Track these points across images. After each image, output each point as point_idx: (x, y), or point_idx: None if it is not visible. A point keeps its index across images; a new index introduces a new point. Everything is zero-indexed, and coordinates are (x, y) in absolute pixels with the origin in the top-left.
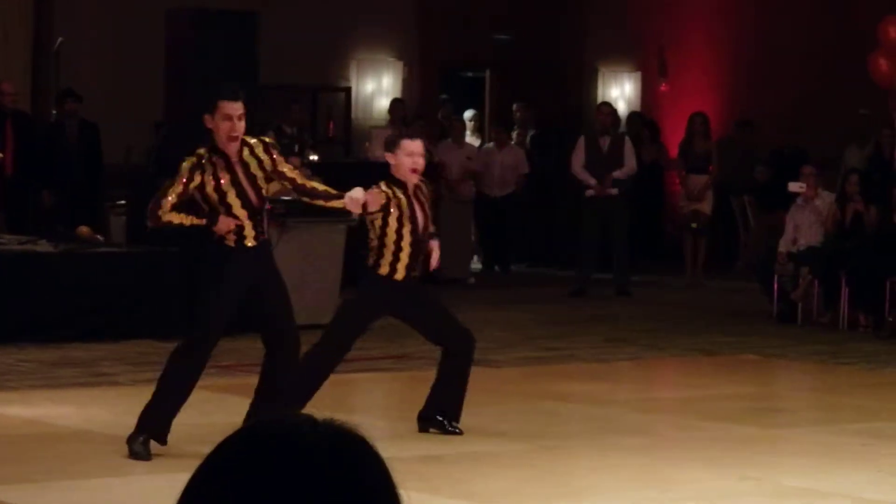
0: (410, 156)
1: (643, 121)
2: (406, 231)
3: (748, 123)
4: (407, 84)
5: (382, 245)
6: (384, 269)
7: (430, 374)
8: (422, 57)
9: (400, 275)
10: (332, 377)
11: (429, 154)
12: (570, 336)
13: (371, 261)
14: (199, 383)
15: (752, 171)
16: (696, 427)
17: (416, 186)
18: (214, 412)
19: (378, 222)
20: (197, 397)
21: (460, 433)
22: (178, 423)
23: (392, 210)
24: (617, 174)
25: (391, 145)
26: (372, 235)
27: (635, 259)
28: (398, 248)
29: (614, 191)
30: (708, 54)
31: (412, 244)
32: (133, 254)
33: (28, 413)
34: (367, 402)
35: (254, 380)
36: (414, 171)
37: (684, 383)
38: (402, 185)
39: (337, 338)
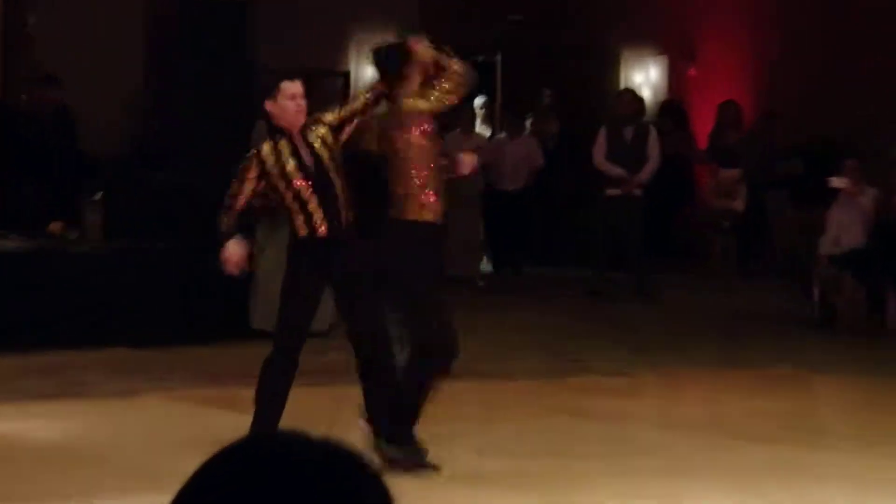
0: (293, 99)
1: (670, 107)
2: (300, 184)
3: (774, 115)
4: None
5: (289, 210)
6: (302, 231)
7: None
8: (426, 38)
9: (322, 229)
10: (325, 390)
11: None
12: (588, 345)
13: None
14: (178, 394)
15: (785, 165)
16: (726, 447)
17: (303, 129)
18: (195, 427)
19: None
20: (176, 410)
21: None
22: (154, 440)
23: (271, 170)
24: (643, 175)
25: (268, 92)
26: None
27: (658, 259)
28: (303, 205)
29: (638, 191)
30: (742, 34)
31: (318, 195)
32: (110, 251)
33: None
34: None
35: (241, 392)
36: (298, 113)
37: (712, 398)
38: (287, 134)
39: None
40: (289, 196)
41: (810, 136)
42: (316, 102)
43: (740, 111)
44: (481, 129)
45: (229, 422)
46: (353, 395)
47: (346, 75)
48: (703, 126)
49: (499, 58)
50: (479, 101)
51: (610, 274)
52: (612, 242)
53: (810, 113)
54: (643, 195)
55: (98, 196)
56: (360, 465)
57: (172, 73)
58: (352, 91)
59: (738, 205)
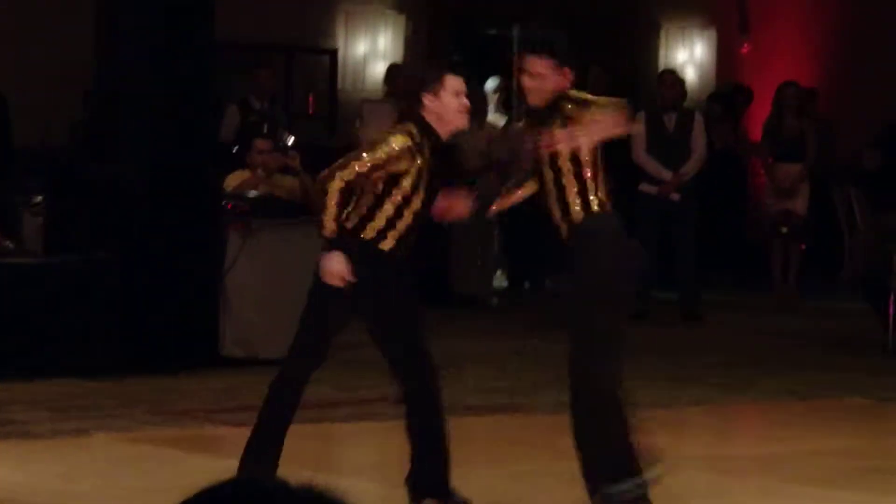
0: (457, 96)
1: (721, 91)
2: (417, 199)
3: (856, 96)
4: (410, 44)
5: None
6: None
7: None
8: (430, 8)
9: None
10: (312, 429)
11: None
12: (623, 375)
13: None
14: (134, 434)
15: (863, 157)
16: (785, 493)
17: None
18: (155, 473)
19: (381, 183)
20: (133, 453)
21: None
22: (107, 488)
23: (408, 169)
24: (686, 170)
25: (431, 82)
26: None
27: (706, 272)
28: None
29: (676, 196)
30: (805, 3)
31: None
32: (52, 265)
33: None
34: (356, 460)
35: (209, 431)
36: (461, 114)
37: (769, 436)
38: (436, 136)
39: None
40: (396, 199)
41: (891, 123)
42: (297, 84)
43: (802, 95)
44: (494, 117)
45: (196, 466)
46: (344, 432)
47: (334, 53)
48: (758, 113)
49: (516, 32)
50: (491, 84)
51: (652, 291)
52: (654, 252)
53: (890, 96)
54: (688, 195)
55: (38, 199)
56: None
57: (123, 53)
58: (339, 72)
59: (800, 206)
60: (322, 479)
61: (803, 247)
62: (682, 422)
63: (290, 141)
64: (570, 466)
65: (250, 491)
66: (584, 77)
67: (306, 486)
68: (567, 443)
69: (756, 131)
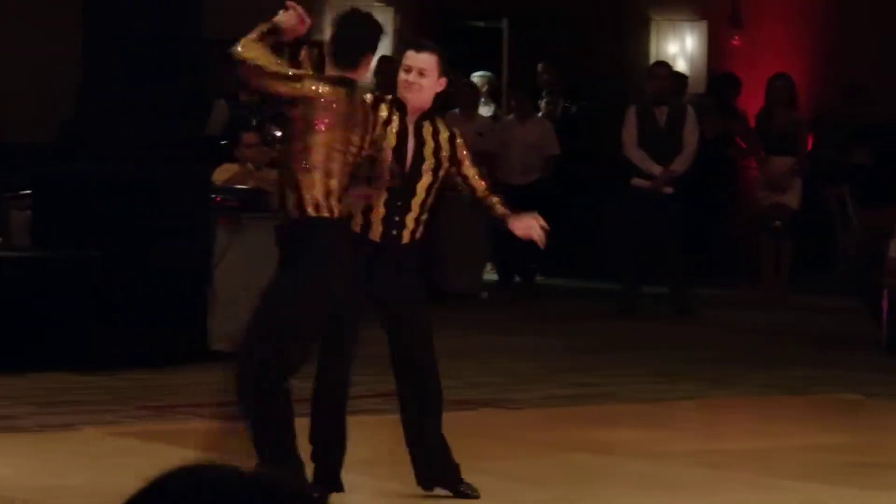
0: (408, 72)
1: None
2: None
3: (860, 90)
4: (398, 36)
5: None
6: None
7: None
8: (417, 1)
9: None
10: (300, 423)
11: None
12: (611, 368)
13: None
14: (123, 428)
15: (851, 152)
16: (776, 488)
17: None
18: (143, 467)
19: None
20: (121, 447)
21: None
22: (95, 482)
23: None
24: (677, 166)
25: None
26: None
27: (696, 267)
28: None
29: (669, 189)
30: None
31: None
32: (40, 259)
33: None
34: (349, 454)
35: (197, 425)
36: (406, 90)
37: (760, 430)
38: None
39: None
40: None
41: (882, 118)
42: None
43: (793, 86)
44: (483, 109)
45: (183, 460)
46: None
47: (321, 46)
48: (749, 106)
49: (505, 23)
50: (480, 76)
51: (641, 286)
52: (644, 247)
53: (883, 91)
54: (678, 190)
55: (25, 194)
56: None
57: (111, 47)
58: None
59: (792, 200)
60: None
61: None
62: (673, 416)
63: (278, 135)
64: (559, 460)
65: (195, 478)
66: (533, 72)
67: (258, 474)
68: (556, 436)
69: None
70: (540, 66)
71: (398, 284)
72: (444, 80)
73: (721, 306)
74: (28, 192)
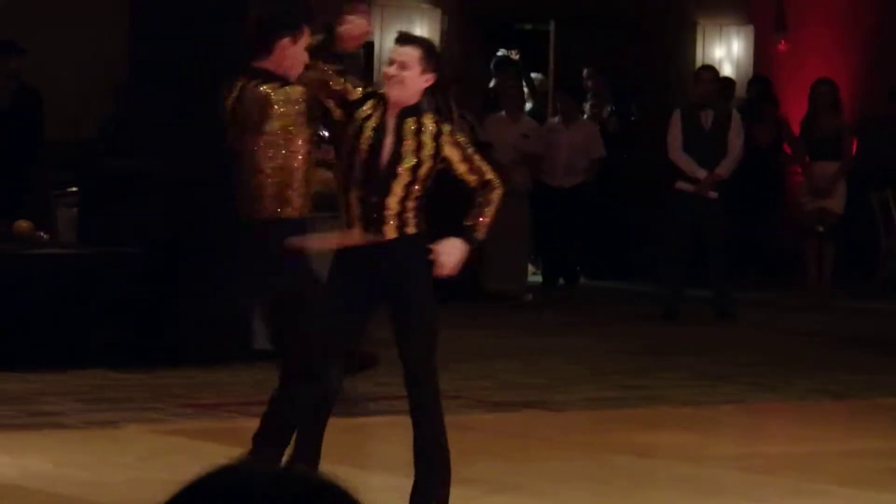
0: (390, 63)
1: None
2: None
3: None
4: (446, 38)
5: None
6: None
7: (468, 418)
8: (465, 2)
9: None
10: (340, 422)
11: (473, 130)
12: (654, 371)
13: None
14: (166, 426)
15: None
16: (820, 493)
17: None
18: (186, 465)
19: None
20: (164, 445)
21: None
22: (138, 480)
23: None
24: (721, 170)
25: None
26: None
27: (740, 271)
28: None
29: (714, 193)
30: (843, 1)
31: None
32: (85, 256)
33: None
34: (384, 455)
35: (241, 423)
36: (385, 79)
37: (803, 435)
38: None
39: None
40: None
41: None
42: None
43: (837, 91)
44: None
45: (227, 459)
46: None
47: (370, 47)
48: (793, 111)
49: (552, 26)
50: (534, 78)
51: (685, 289)
52: (688, 251)
53: None
54: (722, 194)
55: (71, 190)
56: (338, 499)
57: (160, 45)
58: (375, 66)
59: (836, 205)
60: (345, 473)
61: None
62: (714, 420)
63: (326, 134)
64: (601, 462)
65: (229, 477)
66: (580, 75)
67: (294, 471)
68: (598, 439)
69: (794, 128)
70: (585, 72)
71: (393, 281)
72: (430, 76)
73: (764, 310)
74: (74, 188)
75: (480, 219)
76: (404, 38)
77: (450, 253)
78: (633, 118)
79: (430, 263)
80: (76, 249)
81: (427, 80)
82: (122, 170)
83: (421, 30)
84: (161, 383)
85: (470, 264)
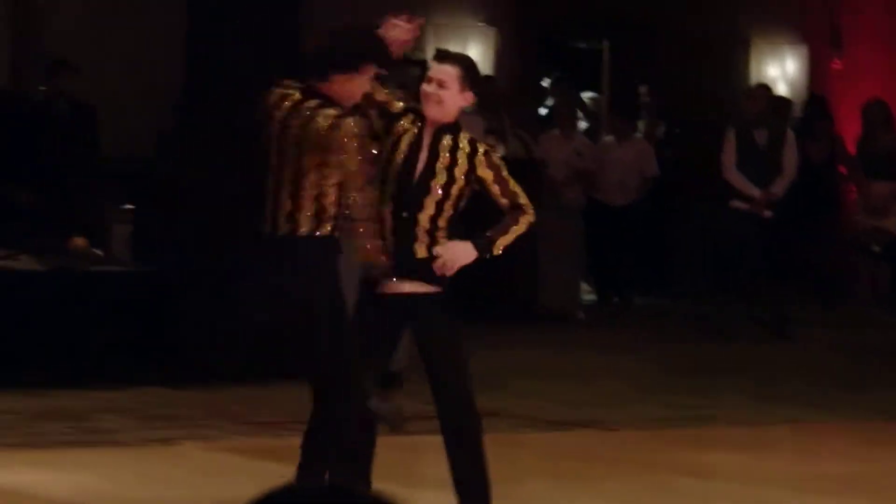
0: (428, 82)
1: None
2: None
3: None
4: (500, 57)
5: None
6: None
7: (522, 436)
8: (519, 21)
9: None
10: (395, 440)
11: (526, 147)
12: (709, 390)
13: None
14: (221, 443)
15: None
16: None
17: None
18: (240, 482)
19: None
20: (218, 462)
21: None
22: (192, 497)
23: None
24: (776, 189)
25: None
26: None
27: (795, 289)
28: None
29: (769, 212)
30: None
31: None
32: (141, 274)
33: (0, 480)
34: (432, 474)
35: (294, 440)
36: (423, 98)
37: (860, 456)
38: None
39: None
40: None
41: None
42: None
43: (889, 110)
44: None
45: (284, 477)
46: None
47: (423, 64)
48: (848, 128)
49: (606, 45)
50: (586, 96)
51: (738, 307)
52: (739, 268)
53: None
54: (777, 212)
55: (127, 207)
56: None
57: (216, 62)
58: None
59: (891, 224)
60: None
61: None
62: (770, 440)
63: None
64: (658, 483)
65: (294, 497)
66: (634, 93)
67: (359, 491)
68: (654, 458)
69: (849, 147)
70: (642, 90)
71: (421, 301)
72: (469, 95)
73: (819, 329)
74: (130, 206)
75: (502, 236)
76: (443, 56)
77: (456, 254)
78: (677, 131)
79: (451, 288)
80: (132, 266)
81: (466, 98)
82: (176, 186)
83: (475, 48)
84: (218, 400)
85: (523, 283)
